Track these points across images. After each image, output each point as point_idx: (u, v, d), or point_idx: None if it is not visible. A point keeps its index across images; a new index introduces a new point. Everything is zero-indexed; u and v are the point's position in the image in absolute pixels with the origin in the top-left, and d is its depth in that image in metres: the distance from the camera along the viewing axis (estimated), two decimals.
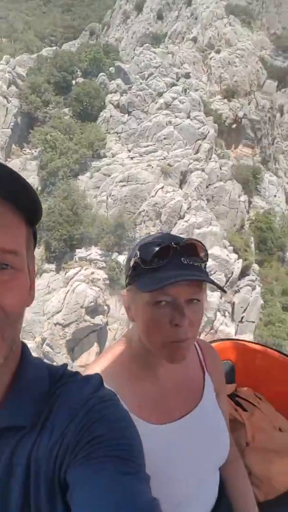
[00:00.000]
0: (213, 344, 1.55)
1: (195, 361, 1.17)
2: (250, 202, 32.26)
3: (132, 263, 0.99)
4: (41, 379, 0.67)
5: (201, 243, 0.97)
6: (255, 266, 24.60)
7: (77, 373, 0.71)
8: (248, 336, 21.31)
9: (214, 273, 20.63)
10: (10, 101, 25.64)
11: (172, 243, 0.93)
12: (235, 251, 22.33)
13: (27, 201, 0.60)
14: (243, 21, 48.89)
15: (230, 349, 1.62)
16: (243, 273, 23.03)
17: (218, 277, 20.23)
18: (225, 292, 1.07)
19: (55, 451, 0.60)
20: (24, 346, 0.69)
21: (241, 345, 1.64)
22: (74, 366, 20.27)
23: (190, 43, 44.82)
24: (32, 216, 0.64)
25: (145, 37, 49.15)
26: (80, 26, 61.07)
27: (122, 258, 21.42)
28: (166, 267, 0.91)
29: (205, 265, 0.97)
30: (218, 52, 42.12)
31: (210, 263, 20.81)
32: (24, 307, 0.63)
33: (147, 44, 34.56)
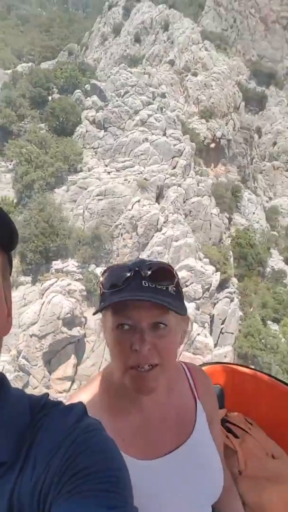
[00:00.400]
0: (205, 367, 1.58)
1: (184, 388, 1.13)
2: (230, 219, 33.93)
3: (98, 288, 1.01)
4: (22, 411, 0.66)
5: (169, 266, 0.97)
6: (234, 280, 25.75)
7: (59, 402, 0.70)
8: (228, 348, 22.12)
9: (190, 284, 21.52)
10: None
11: (135, 267, 0.94)
12: (212, 263, 23.36)
13: (2, 230, 0.61)
14: (218, 47, 52.21)
15: (219, 372, 1.60)
16: (222, 285, 24.04)
17: (194, 288, 21.11)
18: (183, 314, 0.98)
19: (38, 486, 0.59)
20: (2, 378, 0.68)
21: (230, 369, 1.62)
22: (51, 379, 20.38)
23: (167, 65, 47.44)
24: (8, 243, 0.65)
25: (122, 59, 51.54)
26: (59, 46, 63.38)
27: (99, 270, 22.04)
28: (125, 290, 0.91)
29: (176, 289, 0.96)
30: (194, 74, 44.80)
31: (184, 273, 21.77)
32: (2, 336, 0.64)
33: (123, 64, 36.57)
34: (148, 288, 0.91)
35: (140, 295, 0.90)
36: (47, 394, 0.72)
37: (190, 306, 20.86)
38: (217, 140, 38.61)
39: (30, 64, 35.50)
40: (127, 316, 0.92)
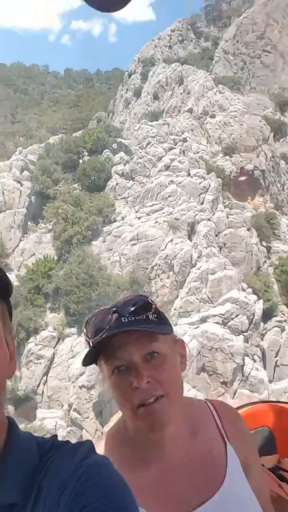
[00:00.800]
0: (244, 409, 1.39)
1: (211, 429, 0.99)
2: (269, 248, 32.72)
3: (85, 340, 0.97)
4: (30, 452, 0.66)
5: (144, 297, 0.95)
6: (283, 307, 24.21)
7: (67, 442, 0.70)
8: (286, 382, 20.23)
9: (235, 316, 20.46)
10: (23, 184, 28.57)
11: (113, 308, 0.92)
12: (254, 292, 22.25)
13: None
14: (231, 88, 53.72)
15: (267, 413, 1.40)
16: (269, 315, 22.65)
17: (240, 320, 20.01)
18: (169, 333, 0.93)
19: None
20: (10, 421, 0.69)
21: (279, 408, 1.42)
22: (104, 432, 19.61)
23: (186, 114, 49.32)
24: (4, 292, 0.67)
25: (145, 116, 54.54)
26: (88, 117, 68.53)
27: None
28: (106, 332, 0.89)
29: (157, 315, 0.92)
30: (212, 117, 46.02)
31: (229, 306, 20.79)
32: (5, 379, 0.64)
33: (144, 120, 38.39)
34: (128, 322, 0.88)
35: (120, 330, 0.87)
36: (55, 436, 0.72)
37: (238, 339, 19.70)
38: (249, 172, 38.58)
39: (60, 135, 38.42)
40: (118, 357, 0.88)
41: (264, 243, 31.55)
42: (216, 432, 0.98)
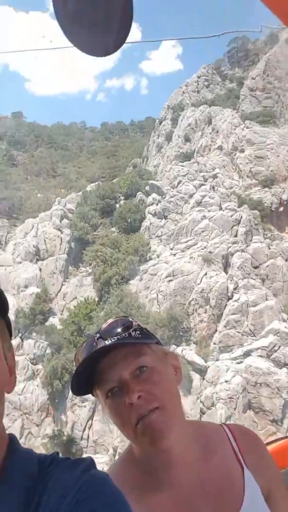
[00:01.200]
0: (275, 444, 1.30)
1: (226, 453, 0.94)
2: None
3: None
4: (31, 468, 0.67)
5: (124, 317, 0.95)
6: None
7: (68, 458, 0.71)
8: None
9: (278, 348, 19.50)
10: (63, 231, 30.19)
11: (96, 334, 0.92)
12: None
13: None
14: (261, 122, 54.41)
15: None
16: None
17: (283, 351, 19.03)
18: (153, 343, 0.93)
19: None
20: (11, 438, 0.70)
21: None
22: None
23: (216, 151, 50.39)
24: (1, 309, 0.69)
25: (177, 158, 56.39)
26: (124, 164, 71.88)
27: (179, 349, 21.39)
28: (92, 360, 0.88)
29: (140, 331, 0.92)
30: (242, 151, 46.64)
31: (272, 338, 19.90)
32: (3, 393, 0.66)
33: (175, 161, 39.67)
34: (112, 343, 0.88)
35: (107, 352, 0.87)
36: (56, 452, 0.74)
37: (282, 373, 18.63)
38: (284, 202, 38.13)
39: (97, 183, 40.60)
40: (108, 379, 0.88)
41: None
42: (232, 456, 0.93)
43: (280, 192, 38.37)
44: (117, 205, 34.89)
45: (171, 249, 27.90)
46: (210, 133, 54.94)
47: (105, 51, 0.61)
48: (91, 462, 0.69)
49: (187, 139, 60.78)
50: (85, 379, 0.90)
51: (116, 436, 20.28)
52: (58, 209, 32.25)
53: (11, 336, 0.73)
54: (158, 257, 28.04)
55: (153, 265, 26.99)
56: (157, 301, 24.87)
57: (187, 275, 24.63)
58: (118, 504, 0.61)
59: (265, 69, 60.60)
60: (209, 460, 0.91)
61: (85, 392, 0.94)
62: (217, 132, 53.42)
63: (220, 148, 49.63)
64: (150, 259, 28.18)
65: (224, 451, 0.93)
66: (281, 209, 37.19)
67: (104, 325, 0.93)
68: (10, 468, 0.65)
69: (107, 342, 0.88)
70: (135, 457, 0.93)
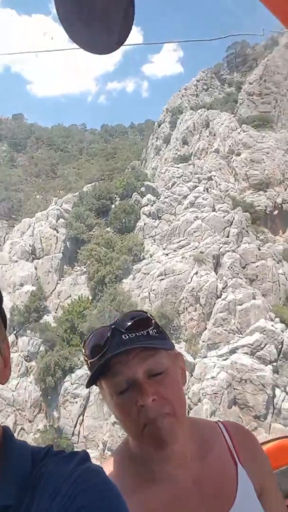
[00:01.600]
0: (269, 444, 1.32)
1: (221, 451, 0.95)
2: None
3: (84, 362, 0.96)
4: (24, 458, 0.68)
5: (143, 312, 0.94)
6: None
7: (63, 451, 0.71)
8: None
9: (264, 346, 19.89)
10: (59, 231, 30.66)
11: (112, 326, 0.91)
12: (283, 322, 21.63)
13: None
14: (257, 126, 54.92)
15: None
16: None
17: (269, 349, 19.41)
18: (171, 349, 0.91)
19: None
20: (6, 429, 0.71)
21: None
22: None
23: (213, 154, 50.92)
24: None
25: (174, 160, 56.93)
26: (123, 166, 72.32)
27: None
28: (107, 352, 0.87)
29: (157, 330, 0.91)
30: (238, 155, 47.19)
31: (258, 336, 20.30)
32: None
33: (170, 163, 40.13)
34: (129, 339, 0.87)
35: (123, 347, 0.85)
36: (51, 445, 0.74)
37: (267, 370, 19.00)
38: (279, 206, 38.57)
39: (94, 183, 41.11)
40: (120, 376, 0.86)
41: None
42: (227, 453, 0.94)
43: (275, 195, 38.88)
44: (113, 206, 35.36)
45: (164, 249, 28.35)
46: (208, 136, 55.49)
47: (108, 49, 0.61)
48: (85, 455, 0.69)
49: (185, 142, 61.32)
50: (98, 370, 0.88)
51: (105, 431, 20.66)
52: (55, 209, 32.78)
53: (5, 327, 0.73)
54: (151, 257, 28.49)
55: (146, 265, 27.44)
56: (149, 300, 25.30)
57: (179, 274, 25.06)
58: (111, 498, 0.62)
59: (262, 74, 61.27)
60: (204, 456, 0.92)
61: (93, 382, 0.91)
62: (214, 135, 53.98)
63: (217, 151, 50.15)
64: (144, 258, 28.62)
65: (219, 448, 0.95)
66: (276, 212, 37.69)
67: (122, 318, 0.92)
68: (4, 459, 0.66)
69: (124, 337, 0.87)
70: (132, 452, 0.93)
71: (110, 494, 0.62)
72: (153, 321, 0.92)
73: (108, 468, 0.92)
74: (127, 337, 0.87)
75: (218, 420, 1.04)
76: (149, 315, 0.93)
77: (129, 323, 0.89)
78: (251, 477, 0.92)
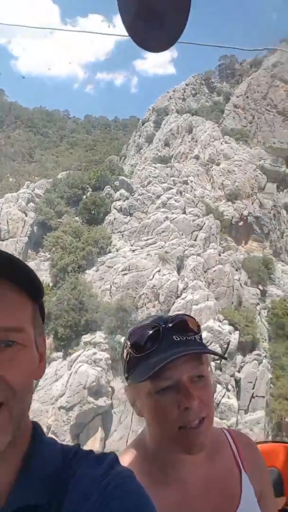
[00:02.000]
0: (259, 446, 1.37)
1: (227, 457, 1.02)
2: (264, 292, 34.15)
3: (125, 354, 0.98)
4: (54, 458, 0.69)
5: (189, 316, 0.98)
6: (265, 344, 25.23)
7: (91, 451, 0.73)
8: (261, 412, 20.81)
9: (209, 344, 21.53)
10: (28, 214, 31.20)
11: (161, 324, 0.94)
12: (232, 325, 23.48)
13: (28, 281, 0.68)
14: (238, 140, 57.54)
15: (276, 453, 1.39)
16: (249, 349, 23.65)
17: (214, 347, 21.06)
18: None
19: None
20: (35, 425, 0.73)
21: None
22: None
23: (193, 160, 52.89)
24: (35, 293, 0.71)
25: (154, 160, 58.45)
26: (101, 159, 72.99)
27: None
28: (158, 350, 0.90)
29: (200, 336, 0.97)
30: (218, 164, 49.39)
31: (205, 334, 21.91)
32: (33, 381, 0.69)
33: (149, 162, 41.52)
34: (180, 342, 0.91)
35: (178, 351, 0.89)
36: (78, 445, 0.76)
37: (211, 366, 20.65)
38: (245, 218, 40.92)
39: (68, 171, 41.78)
40: (166, 377, 0.90)
41: (260, 287, 33.17)
42: (232, 460, 1.01)
43: (242, 208, 41.36)
44: (84, 196, 36.22)
45: (131, 245, 29.55)
46: (189, 142, 57.52)
47: (160, 47, 0.63)
48: (115, 458, 0.71)
49: (167, 144, 63.06)
50: (150, 365, 0.91)
51: (50, 415, 21.51)
52: (26, 192, 33.27)
53: (43, 321, 0.76)
54: (117, 251, 29.60)
55: (111, 258, 28.51)
56: (110, 292, 26.38)
57: (142, 270, 26.33)
58: (143, 506, 0.64)
59: (247, 90, 64.28)
60: (214, 461, 0.99)
61: (145, 378, 0.92)
62: (196, 141, 56.07)
63: (196, 157, 52.18)
64: (109, 252, 29.68)
65: (225, 454, 1.02)
66: (241, 223, 40.13)
67: (173, 318, 0.96)
68: (34, 456, 0.68)
69: (176, 338, 0.91)
70: (147, 451, 0.97)
71: (143, 502, 0.64)
72: (200, 327, 0.99)
73: (123, 462, 0.91)
74: (178, 339, 0.92)
75: (223, 428, 1.12)
76: (195, 320, 0.99)
77: (181, 326, 0.94)
78: (253, 483, 0.99)
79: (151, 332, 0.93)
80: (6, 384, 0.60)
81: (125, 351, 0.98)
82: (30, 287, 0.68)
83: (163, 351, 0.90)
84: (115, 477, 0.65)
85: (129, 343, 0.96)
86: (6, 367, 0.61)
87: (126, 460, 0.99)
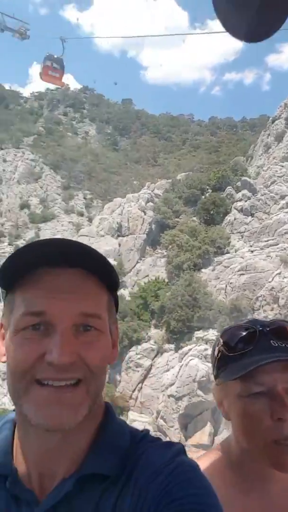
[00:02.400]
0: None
1: None
2: None
3: (216, 352, 1.00)
4: (123, 435, 0.77)
5: (285, 321, 0.97)
6: None
7: (159, 438, 0.79)
8: None
9: None
10: (147, 213, 34.08)
11: (258, 326, 0.94)
12: None
13: (105, 271, 0.74)
14: None
15: None
16: None
17: None
18: None
19: (138, 508, 0.67)
20: (108, 405, 0.81)
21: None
22: (187, 445, 21.41)
23: None
24: (112, 284, 0.78)
25: (283, 159, 56.47)
26: (225, 161, 73.63)
27: None
28: (253, 352, 0.91)
29: None
30: None
31: None
32: (107, 364, 0.75)
33: (275, 160, 40.77)
34: (278, 347, 0.91)
35: (275, 355, 0.89)
36: (148, 430, 0.83)
37: None
38: None
39: (188, 172, 43.73)
40: (259, 382, 0.90)
41: None
42: None
43: None
44: (203, 197, 37.54)
45: (251, 246, 29.69)
46: None
47: (252, 37, 0.59)
48: (181, 448, 0.76)
49: None
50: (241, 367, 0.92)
51: (161, 401, 23.33)
52: (146, 192, 36.31)
53: (117, 311, 0.84)
54: (235, 252, 30.06)
55: (228, 258, 29.13)
56: (225, 292, 27.01)
57: (260, 272, 26.30)
58: (207, 496, 0.67)
59: None
60: None
61: (235, 377, 0.93)
62: None
63: None
64: (227, 252, 30.32)
65: None
66: None
67: (271, 323, 0.97)
68: (107, 431, 0.77)
69: (274, 343, 0.92)
70: (232, 459, 0.99)
71: (205, 492, 0.68)
72: None
73: (202, 465, 0.89)
74: (276, 344, 0.92)
75: None
76: None
77: (280, 331, 0.95)
78: None
79: (246, 333, 0.95)
80: (84, 364, 0.69)
81: (216, 348, 1.01)
82: (107, 277, 0.76)
83: (258, 354, 0.91)
84: (182, 464, 0.71)
85: (221, 341, 0.99)
86: (85, 349, 0.69)
87: (205, 464, 1.00)
